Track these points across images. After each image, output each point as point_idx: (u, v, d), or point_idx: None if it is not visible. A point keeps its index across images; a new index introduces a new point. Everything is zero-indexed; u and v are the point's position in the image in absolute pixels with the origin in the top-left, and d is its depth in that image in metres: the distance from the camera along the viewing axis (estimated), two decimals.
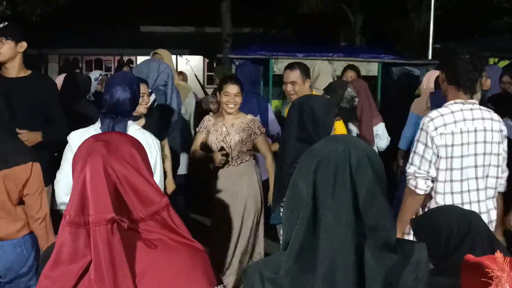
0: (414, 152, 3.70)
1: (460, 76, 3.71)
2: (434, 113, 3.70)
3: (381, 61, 9.53)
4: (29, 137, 4.44)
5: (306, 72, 5.33)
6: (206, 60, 25.04)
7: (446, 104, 3.75)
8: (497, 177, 3.80)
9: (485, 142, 3.72)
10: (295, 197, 1.71)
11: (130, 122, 3.72)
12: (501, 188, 3.89)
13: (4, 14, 15.84)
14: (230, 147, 4.98)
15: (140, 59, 23.22)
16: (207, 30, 22.96)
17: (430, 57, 12.18)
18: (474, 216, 2.66)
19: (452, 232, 2.52)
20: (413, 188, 3.68)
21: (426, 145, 3.66)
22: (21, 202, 3.60)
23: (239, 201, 4.96)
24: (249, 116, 5.11)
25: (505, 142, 3.82)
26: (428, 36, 12.72)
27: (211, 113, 5.11)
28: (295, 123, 3.85)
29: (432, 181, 3.70)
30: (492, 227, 3.81)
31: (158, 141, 3.83)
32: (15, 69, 4.64)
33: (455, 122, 3.65)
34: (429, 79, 6.07)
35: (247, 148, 5.02)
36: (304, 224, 1.64)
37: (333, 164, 1.67)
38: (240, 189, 4.97)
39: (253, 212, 4.98)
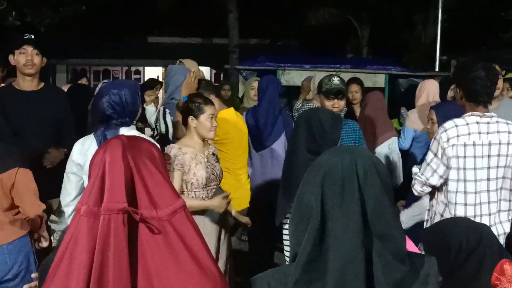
0: (425, 158, 3.83)
1: (479, 93, 3.75)
2: (449, 124, 3.74)
3: (388, 73, 9.56)
4: (55, 157, 4.56)
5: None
6: (214, 71, 25.09)
7: (464, 115, 3.78)
8: (511, 190, 3.81)
9: (499, 155, 3.74)
10: (302, 209, 1.71)
11: (122, 129, 3.75)
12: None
13: (13, 24, 15.93)
14: (219, 178, 4.24)
15: (148, 69, 23.32)
16: (215, 41, 23.01)
17: (437, 69, 12.19)
18: (484, 229, 2.65)
19: (461, 245, 2.51)
20: (416, 193, 3.91)
21: (435, 155, 3.73)
22: (12, 208, 3.66)
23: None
24: None
25: None
26: (435, 48, 12.72)
27: (173, 145, 4.15)
28: (303, 135, 3.85)
29: (430, 187, 3.83)
30: (503, 238, 3.82)
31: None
32: (34, 83, 4.70)
33: (469, 134, 3.68)
34: (427, 92, 5.98)
35: None
36: (312, 235, 1.64)
37: (340, 175, 1.67)
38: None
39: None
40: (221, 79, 20.03)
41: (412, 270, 1.67)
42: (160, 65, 21.79)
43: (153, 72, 22.58)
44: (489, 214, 3.75)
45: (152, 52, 21.92)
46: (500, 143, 3.73)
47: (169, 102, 5.23)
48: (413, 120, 5.96)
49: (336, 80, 4.67)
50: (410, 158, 5.95)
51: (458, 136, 3.66)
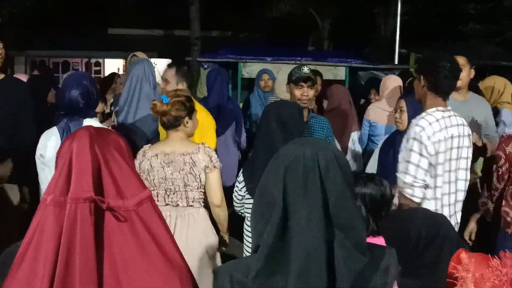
0: (408, 161, 3.73)
1: (441, 83, 3.79)
2: (423, 122, 3.74)
3: (348, 66, 9.64)
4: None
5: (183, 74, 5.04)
6: None
7: (429, 111, 3.81)
8: (466, 180, 3.91)
9: (458, 147, 3.83)
10: (264, 201, 1.71)
11: (86, 120, 3.72)
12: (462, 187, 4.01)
13: None
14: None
15: (108, 61, 23.10)
16: (176, 33, 22.89)
17: (396, 62, 12.32)
18: (442, 220, 2.70)
19: (420, 235, 2.55)
20: (409, 196, 3.72)
21: (421, 154, 3.70)
22: None
23: None
24: None
25: (472, 145, 3.94)
26: (394, 41, 12.86)
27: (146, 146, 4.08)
28: (272, 126, 3.84)
29: (426, 188, 3.76)
30: (457, 229, 3.92)
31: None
32: None
33: (440, 130, 3.74)
34: (391, 85, 6.06)
35: None
36: (275, 227, 1.65)
37: (302, 167, 1.68)
38: None
39: None
40: None
41: (372, 261, 1.69)
42: (120, 57, 21.58)
43: (113, 64, 22.40)
44: (449, 205, 3.84)
45: (113, 44, 21.69)
46: (459, 136, 3.82)
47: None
48: (373, 113, 6.03)
49: (305, 69, 4.72)
50: (368, 148, 6.04)
51: (434, 133, 3.71)
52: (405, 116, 4.36)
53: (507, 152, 4.36)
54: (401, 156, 3.82)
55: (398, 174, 3.78)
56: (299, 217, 1.64)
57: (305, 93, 4.66)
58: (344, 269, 1.62)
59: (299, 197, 1.65)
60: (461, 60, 4.84)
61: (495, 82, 6.07)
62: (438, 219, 2.68)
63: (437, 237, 2.53)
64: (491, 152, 4.64)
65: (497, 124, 5.40)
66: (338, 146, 5.46)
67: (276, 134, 3.75)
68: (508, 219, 4.40)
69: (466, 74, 5.06)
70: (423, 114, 3.80)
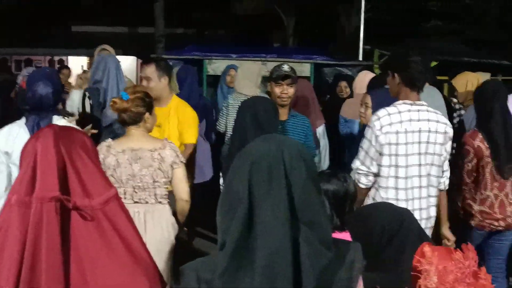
0: (361, 147, 3.86)
1: (415, 78, 3.84)
2: (382, 112, 3.82)
3: (313, 62, 9.66)
4: None
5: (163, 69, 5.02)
6: (139, 61, 24.76)
7: (395, 103, 3.87)
8: (439, 176, 3.96)
9: (428, 142, 3.87)
10: (230, 197, 1.72)
11: (56, 117, 3.68)
12: (442, 186, 4.08)
13: None
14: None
15: (72, 59, 22.77)
16: (140, 30, 22.71)
17: (360, 58, 12.42)
18: (406, 214, 2.73)
19: (384, 229, 2.58)
20: (356, 181, 3.79)
21: (370, 142, 3.80)
22: None
23: None
24: None
25: (449, 143, 3.99)
26: (358, 37, 12.95)
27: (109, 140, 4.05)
28: (247, 122, 3.83)
29: (375, 176, 3.84)
30: (431, 222, 3.99)
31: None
32: None
33: (401, 122, 3.78)
34: (365, 81, 6.12)
35: None
36: (240, 223, 1.65)
37: (267, 163, 1.69)
38: None
39: None
40: None
41: (337, 256, 1.70)
42: (84, 54, 21.28)
43: (77, 61, 22.08)
44: (420, 198, 3.89)
45: (76, 41, 21.43)
46: (429, 131, 3.86)
47: (92, 87, 5.30)
48: (348, 109, 6.08)
49: (286, 67, 4.75)
50: (341, 143, 6.09)
51: (391, 124, 3.76)
52: (369, 111, 4.41)
53: (476, 146, 4.45)
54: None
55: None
56: (264, 214, 1.64)
57: (285, 91, 4.69)
58: (309, 265, 1.63)
59: (264, 193, 1.66)
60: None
61: (468, 78, 6.17)
62: (401, 213, 2.71)
63: (399, 231, 2.56)
64: None
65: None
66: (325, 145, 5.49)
67: (251, 131, 3.75)
68: (472, 211, 4.50)
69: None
70: (390, 106, 3.87)
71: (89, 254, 1.70)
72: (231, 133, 4.14)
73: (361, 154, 3.85)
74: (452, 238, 4.19)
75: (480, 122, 4.58)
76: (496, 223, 4.47)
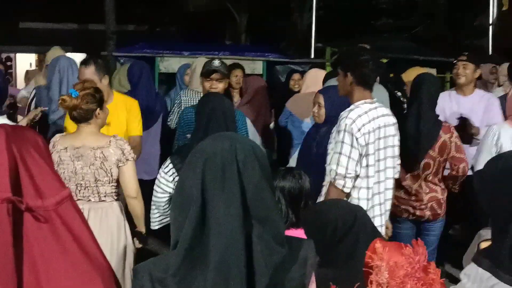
0: (340, 153, 3.79)
1: (368, 77, 3.89)
2: (353, 114, 3.83)
3: (266, 60, 9.73)
4: None
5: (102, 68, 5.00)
6: None
7: (357, 104, 3.91)
8: (394, 167, 4.06)
9: (385, 137, 3.96)
10: (183, 195, 1.71)
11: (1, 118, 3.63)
12: (397, 175, 4.17)
13: None
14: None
15: (20, 56, 22.34)
16: (91, 27, 22.39)
17: (312, 56, 12.52)
18: (359, 211, 2.77)
19: (337, 225, 2.61)
20: (340, 187, 3.79)
21: (352, 146, 3.78)
22: None
23: None
24: None
25: (398, 132, 4.07)
26: (310, 35, 13.05)
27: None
28: (217, 116, 3.83)
29: (356, 179, 3.85)
30: (387, 216, 4.08)
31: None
32: None
33: (369, 121, 3.85)
34: (314, 78, 6.17)
35: None
36: (193, 221, 1.65)
37: (220, 160, 1.69)
38: None
39: None
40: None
41: (291, 253, 1.71)
42: (33, 51, 20.96)
43: (25, 59, 21.69)
44: (379, 193, 3.97)
45: (24, 38, 21.01)
46: (385, 126, 3.96)
47: (41, 86, 5.32)
48: (294, 104, 6.12)
49: (216, 62, 4.78)
50: (285, 136, 6.13)
51: (364, 125, 3.81)
52: (322, 110, 4.44)
53: None
54: (330, 148, 3.92)
55: (328, 166, 3.86)
56: (217, 211, 1.65)
57: (214, 86, 4.74)
58: (262, 262, 1.64)
59: (217, 191, 1.66)
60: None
61: (417, 73, 6.24)
62: (354, 210, 2.75)
63: (353, 228, 2.60)
64: None
65: None
66: (259, 140, 5.51)
67: (221, 125, 3.76)
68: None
69: None
70: (352, 106, 3.90)
71: (43, 256, 1.68)
72: (193, 129, 4.13)
73: (342, 159, 3.79)
74: (390, 225, 4.27)
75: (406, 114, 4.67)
76: (411, 210, 4.55)
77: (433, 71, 6.00)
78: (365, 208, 3.88)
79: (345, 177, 3.79)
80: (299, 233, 3.13)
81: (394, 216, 4.55)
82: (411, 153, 4.44)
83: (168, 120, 6.34)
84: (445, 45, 15.57)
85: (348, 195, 3.88)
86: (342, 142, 3.80)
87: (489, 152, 4.43)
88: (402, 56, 11.34)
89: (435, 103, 4.59)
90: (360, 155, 3.82)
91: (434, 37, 16.81)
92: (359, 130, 3.78)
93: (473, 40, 16.27)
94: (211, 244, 1.63)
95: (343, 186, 3.80)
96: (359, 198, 3.87)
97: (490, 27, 14.05)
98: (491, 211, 2.25)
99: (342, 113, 3.90)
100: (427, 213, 4.54)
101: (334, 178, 3.81)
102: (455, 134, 4.54)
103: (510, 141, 4.54)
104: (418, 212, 4.54)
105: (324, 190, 3.95)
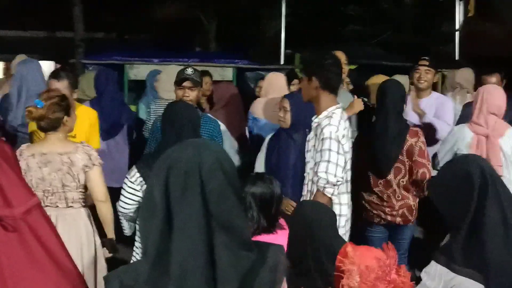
0: (329, 161, 3.79)
1: (334, 81, 3.91)
2: (334, 121, 3.84)
3: (235, 66, 9.74)
4: None
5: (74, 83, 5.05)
6: (58, 66, 24.22)
7: (330, 110, 3.92)
8: (349, 169, 4.09)
9: (348, 140, 4.01)
10: (150, 203, 1.71)
11: None
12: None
13: None
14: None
15: None
16: (59, 34, 22.20)
17: (282, 62, 12.57)
18: (332, 213, 2.82)
19: (310, 229, 2.65)
20: (330, 195, 3.80)
21: (338, 153, 3.80)
22: None
23: None
24: None
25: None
26: (280, 41, 13.10)
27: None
28: (185, 124, 3.81)
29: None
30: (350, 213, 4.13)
31: None
32: None
33: (345, 128, 3.88)
34: (273, 82, 6.18)
35: None
36: (159, 229, 1.65)
37: (183, 168, 1.69)
38: None
39: None
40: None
41: (260, 258, 1.71)
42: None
43: None
44: (345, 193, 4.05)
45: None
46: (350, 130, 4.06)
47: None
48: (257, 108, 6.12)
49: (189, 70, 4.77)
50: (254, 141, 6.13)
51: (345, 129, 3.87)
52: (288, 115, 4.45)
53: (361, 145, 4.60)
54: (309, 156, 3.91)
55: (319, 174, 3.81)
56: (180, 219, 1.64)
57: (186, 94, 4.73)
58: (229, 269, 1.64)
59: (180, 199, 1.66)
60: (340, 54, 5.06)
61: (380, 81, 6.29)
62: (324, 213, 2.79)
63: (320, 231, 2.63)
64: None
65: None
66: (235, 144, 5.52)
67: (189, 134, 3.72)
68: (363, 202, 4.63)
69: (347, 68, 5.37)
70: (326, 113, 3.91)
71: (12, 266, 1.66)
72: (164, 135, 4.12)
73: (331, 167, 3.78)
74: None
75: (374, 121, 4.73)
76: (383, 215, 4.59)
77: (405, 77, 6.02)
78: (346, 213, 3.92)
79: (335, 185, 3.79)
80: (272, 237, 3.14)
81: (367, 220, 4.59)
82: (382, 159, 4.47)
83: (144, 128, 6.32)
84: (412, 51, 15.74)
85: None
86: (329, 150, 3.79)
87: (449, 154, 4.53)
88: (370, 62, 11.44)
89: (402, 108, 4.64)
90: (346, 161, 3.85)
91: (401, 44, 16.96)
92: (343, 136, 3.81)
93: (440, 46, 16.46)
94: (172, 253, 1.63)
95: (332, 194, 3.80)
96: (341, 203, 3.90)
97: (457, 33, 14.22)
98: (446, 212, 2.43)
99: (320, 120, 3.90)
100: (398, 219, 4.57)
101: (324, 186, 3.79)
102: (422, 139, 4.56)
103: (466, 144, 4.66)
104: (389, 218, 4.57)
105: (305, 197, 3.95)
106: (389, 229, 4.69)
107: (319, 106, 3.95)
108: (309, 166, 3.93)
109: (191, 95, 4.74)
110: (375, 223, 4.62)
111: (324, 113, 3.91)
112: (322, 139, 3.82)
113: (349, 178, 3.95)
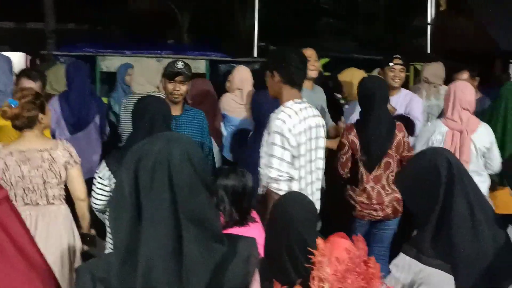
0: (272, 155, 3.73)
1: (295, 75, 3.88)
2: (283, 115, 3.78)
3: (208, 59, 9.71)
4: None
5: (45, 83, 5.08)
6: (29, 57, 23.91)
7: (286, 104, 3.87)
8: (322, 169, 4.08)
9: (316, 137, 3.97)
10: (120, 196, 1.71)
11: None
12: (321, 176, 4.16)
13: None
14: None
15: None
16: (29, 25, 21.93)
17: (255, 55, 12.57)
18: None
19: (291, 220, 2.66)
20: (275, 190, 3.71)
21: (283, 147, 3.73)
22: None
23: None
24: None
25: (325, 135, 4.12)
26: (253, 34, 13.09)
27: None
28: (157, 119, 3.78)
29: (291, 181, 3.79)
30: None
31: None
32: None
33: (299, 122, 3.81)
34: (239, 76, 6.19)
35: None
36: (128, 223, 1.65)
37: (152, 161, 1.69)
38: None
39: None
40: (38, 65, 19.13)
41: (232, 250, 1.72)
42: None
43: None
44: (310, 194, 3.91)
45: None
46: (316, 126, 3.97)
47: None
48: (226, 104, 6.13)
49: (180, 64, 4.73)
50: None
51: (294, 126, 3.77)
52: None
53: (350, 140, 4.62)
54: (263, 151, 3.87)
55: (261, 169, 3.79)
56: (149, 212, 1.65)
57: (177, 88, 4.68)
58: (198, 262, 1.64)
59: (148, 192, 1.66)
60: (309, 51, 5.07)
61: (353, 74, 6.34)
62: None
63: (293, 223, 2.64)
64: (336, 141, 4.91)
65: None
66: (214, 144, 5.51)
67: (161, 127, 3.68)
68: (352, 202, 4.67)
69: (318, 64, 5.37)
70: (281, 107, 3.89)
71: None
72: (129, 134, 4.11)
73: (275, 161, 3.72)
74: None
75: (360, 117, 4.75)
76: (374, 213, 4.61)
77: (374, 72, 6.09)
78: None
79: (277, 179, 3.73)
80: (244, 230, 3.14)
81: (356, 217, 4.64)
82: (374, 154, 4.54)
83: (116, 123, 6.28)
84: (385, 44, 15.84)
85: None
86: (273, 143, 3.74)
87: (424, 148, 4.58)
88: (343, 55, 11.50)
89: (387, 103, 4.73)
90: (293, 156, 3.79)
91: (374, 37, 17.08)
92: (289, 131, 3.75)
93: (412, 39, 16.59)
94: (140, 248, 1.63)
95: (278, 189, 3.70)
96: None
97: (428, 27, 14.33)
98: (413, 205, 2.48)
99: (272, 114, 3.86)
100: (389, 211, 4.62)
101: (268, 182, 3.75)
102: (405, 133, 4.67)
103: (441, 138, 4.76)
104: (381, 213, 4.62)
105: (260, 192, 3.90)
106: (371, 222, 4.73)
107: (281, 101, 3.94)
108: (261, 162, 3.87)
109: (181, 89, 4.70)
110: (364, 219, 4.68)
111: (280, 107, 3.90)
112: (269, 133, 3.80)
113: (302, 174, 3.86)
